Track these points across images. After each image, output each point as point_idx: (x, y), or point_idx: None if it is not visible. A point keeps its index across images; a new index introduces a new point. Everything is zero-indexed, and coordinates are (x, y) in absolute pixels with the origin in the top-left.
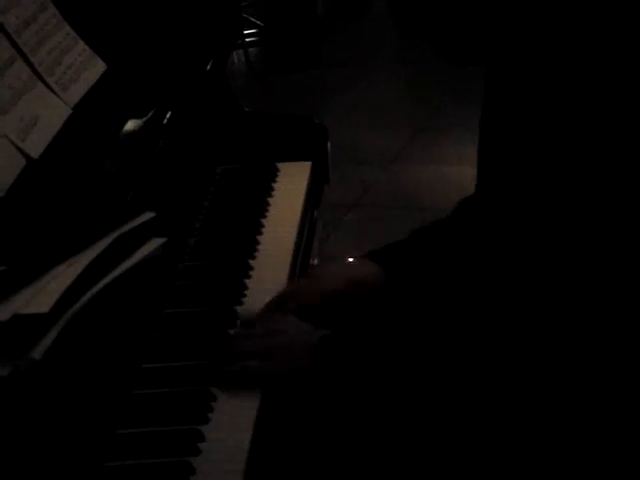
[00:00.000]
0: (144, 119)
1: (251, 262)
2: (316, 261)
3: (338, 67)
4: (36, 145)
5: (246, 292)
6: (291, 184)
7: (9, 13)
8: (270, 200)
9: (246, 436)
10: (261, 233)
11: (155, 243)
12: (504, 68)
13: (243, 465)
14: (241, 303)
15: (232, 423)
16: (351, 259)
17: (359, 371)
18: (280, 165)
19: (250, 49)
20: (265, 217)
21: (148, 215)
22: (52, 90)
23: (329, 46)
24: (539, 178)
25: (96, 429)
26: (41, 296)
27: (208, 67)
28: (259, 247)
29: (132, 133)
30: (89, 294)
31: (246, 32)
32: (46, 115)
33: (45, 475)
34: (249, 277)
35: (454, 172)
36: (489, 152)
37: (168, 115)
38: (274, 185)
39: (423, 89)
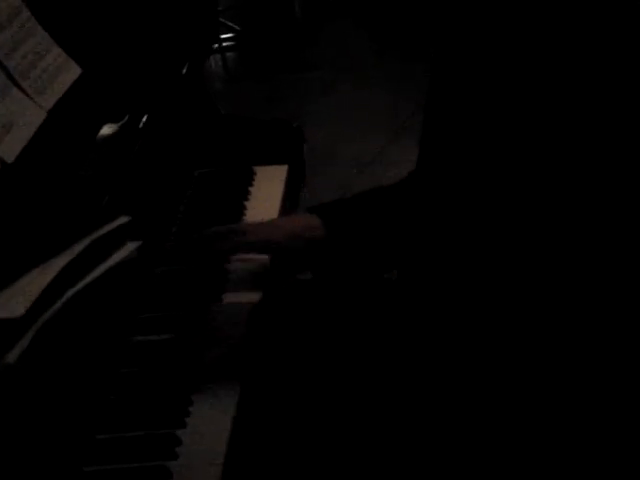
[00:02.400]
0: (120, 123)
1: (228, 266)
2: None
3: (316, 70)
4: (10, 149)
5: (223, 296)
6: (267, 187)
7: None
8: (247, 204)
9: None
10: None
11: (130, 247)
12: (447, 63)
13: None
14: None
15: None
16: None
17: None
18: (257, 168)
19: (227, 53)
20: (242, 221)
21: (124, 219)
22: (27, 94)
23: (307, 49)
24: (470, 161)
25: (74, 434)
26: (15, 300)
27: (184, 71)
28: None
29: (108, 137)
30: (64, 298)
31: (223, 36)
32: (21, 119)
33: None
34: (227, 281)
35: None
36: (430, 133)
37: (144, 119)
38: (250, 189)
39: (401, 92)
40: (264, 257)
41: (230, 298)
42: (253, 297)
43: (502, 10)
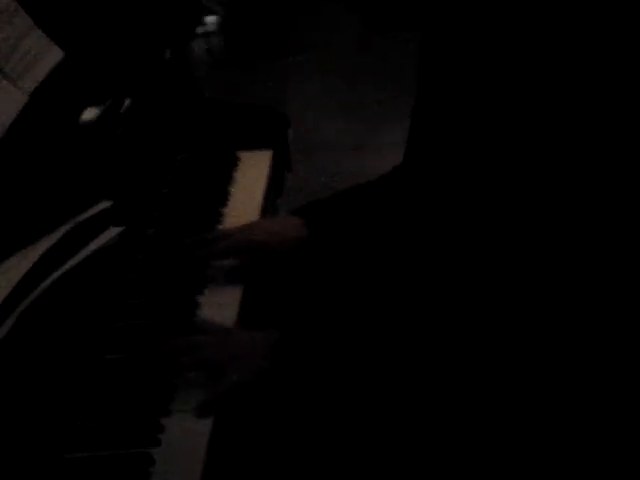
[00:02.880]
0: (102, 107)
1: (202, 295)
2: None
3: (301, 54)
4: None
5: (206, 287)
6: (252, 173)
7: None
8: (231, 189)
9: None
10: (222, 223)
11: (112, 232)
12: (437, 55)
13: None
14: (202, 293)
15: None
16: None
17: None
18: (241, 154)
19: (213, 38)
20: (226, 206)
21: (106, 204)
22: (8, 78)
23: (295, 33)
24: (461, 156)
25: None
26: None
27: (167, 54)
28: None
29: (90, 121)
30: (46, 283)
31: (207, 20)
32: (2, 102)
33: None
34: (209, 275)
35: None
36: (419, 129)
37: (127, 103)
38: (235, 174)
39: (387, 72)
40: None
41: (213, 288)
42: (235, 290)
43: (495, 3)
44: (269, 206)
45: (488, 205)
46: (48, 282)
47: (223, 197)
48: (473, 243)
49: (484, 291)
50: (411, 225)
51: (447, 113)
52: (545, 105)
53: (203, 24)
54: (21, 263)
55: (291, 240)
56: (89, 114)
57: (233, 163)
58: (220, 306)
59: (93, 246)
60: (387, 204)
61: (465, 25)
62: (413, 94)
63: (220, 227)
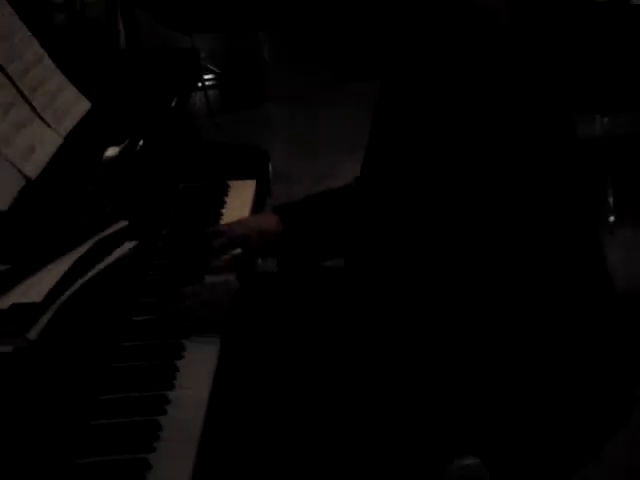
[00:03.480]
0: (120, 146)
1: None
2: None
3: (282, 103)
4: (33, 168)
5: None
6: (239, 198)
7: (13, 63)
8: (223, 211)
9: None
10: (215, 239)
11: (128, 246)
12: (385, 100)
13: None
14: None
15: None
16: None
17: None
18: (231, 183)
19: (209, 91)
20: (219, 222)
21: (122, 223)
22: (47, 124)
23: (274, 86)
24: (396, 171)
25: (81, 394)
26: (36, 289)
27: (173, 104)
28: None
29: (111, 158)
30: (75, 286)
31: (205, 77)
32: (42, 144)
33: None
34: (208, 267)
35: None
36: (371, 148)
37: (140, 143)
38: (226, 199)
39: (349, 118)
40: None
41: (210, 280)
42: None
43: (415, 64)
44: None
45: (413, 207)
46: (80, 282)
47: (216, 217)
48: (404, 235)
49: (411, 274)
50: (363, 221)
51: (389, 146)
52: (445, 145)
53: (202, 80)
54: (61, 266)
55: (268, 233)
56: (111, 152)
57: (224, 190)
58: None
59: (113, 256)
60: (345, 205)
61: (402, 88)
62: (367, 132)
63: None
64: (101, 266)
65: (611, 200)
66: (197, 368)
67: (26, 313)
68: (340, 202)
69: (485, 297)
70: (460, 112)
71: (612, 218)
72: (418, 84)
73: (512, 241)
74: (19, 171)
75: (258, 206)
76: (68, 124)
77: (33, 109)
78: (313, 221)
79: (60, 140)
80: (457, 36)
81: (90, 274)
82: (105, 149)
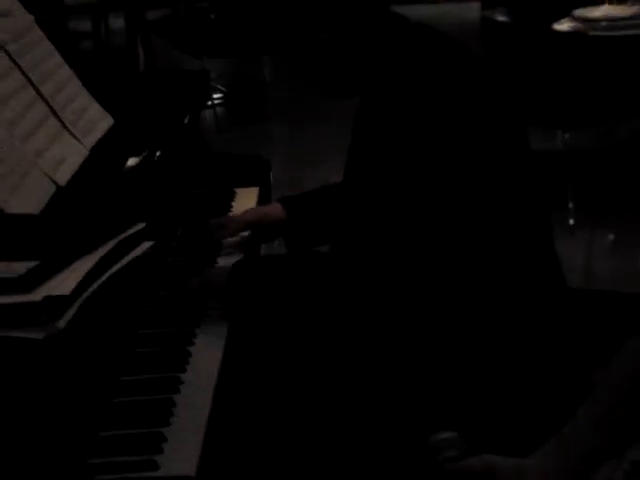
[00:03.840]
0: (140, 157)
1: (217, 258)
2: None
3: (281, 119)
4: (63, 176)
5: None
6: (244, 203)
7: (45, 83)
8: (229, 214)
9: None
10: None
11: (146, 245)
12: (361, 120)
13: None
14: None
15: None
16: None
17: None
18: (237, 189)
19: (218, 109)
20: None
21: (141, 225)
22: (76, 138)
23: (274, 104)
24: (366, 176)
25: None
26: (64, 283)
27: (186, 121)
28: (223, 242)
29: (131, 167)
30: (99, 280)
31: (214, 96)
32: (71, 155)
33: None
34: (216, 263)
35: None
36: (350, 158)
37: (157, 154)
38: (232, 204)
39: (337, 133)
40: (245, 234)
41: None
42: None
43: (385, 86)
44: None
45: (384, 207)
46: (103, 277)
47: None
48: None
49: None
50: (345, 216)
51: (364, 154)
52: (409, 153)
53: (211, 99)
54: (87, 263)
55: (275, 220)
56: (131, 162)
57: (231, 196)
58: None
59: (133, 254)
60: (335, 201)
61: (374, 105)
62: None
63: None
64: (122, 263)
65: (571, 205)
66: (207, 353)
67: (56, 305)
68: (335, 195)
69: (453, 290)
70: (421, 127)
71: (572, 221)
72: (387, 102)
73: (472, 238)
74: (50, 179)
75: None
76: (94, 138)
77: (63, 124)
78: (312, 209)
79: (87, 152)
80: (418, 59)
81: (112, 270)
82: (126, 160)
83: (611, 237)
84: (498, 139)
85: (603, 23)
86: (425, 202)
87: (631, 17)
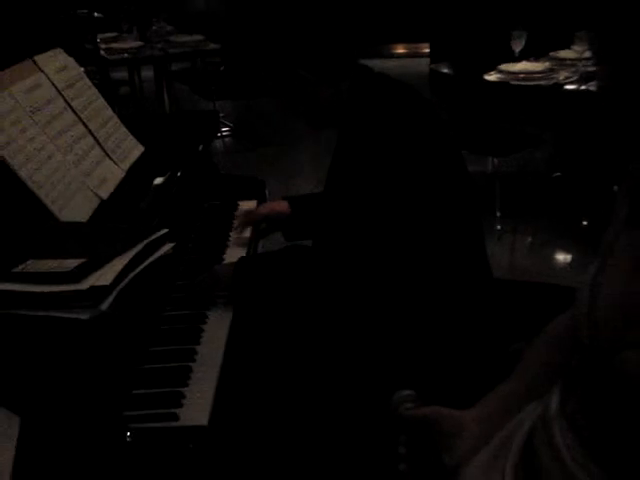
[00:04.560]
0: (165, 176)
1: (224, 256)
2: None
3: (274, 147)
4: (105, 192)
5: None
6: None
7: (92, 120)
8: (233, 221)
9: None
10: (228, 239)
11: (168, 246)
12: (341, 144)
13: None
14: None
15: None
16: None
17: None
18: (239, 202)
19: (225, 139)
20: (231, 230)
21: (164, 230)
22: (115, 162)
23: (269, 135)
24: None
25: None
26: (106, 275)
27: (200, 148)
28: (228, 243)
29: (157, 185)
30: (132, 274)
31: (223, 129)
32: (111, 176)
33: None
34: (223, 261)
35: None
36: (330, 174)
37: (178, 174)
38: (235, 213)
39: (320, 160)
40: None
41: (228, 259)
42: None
43: (352, 121)
44: (254, 229)
45: (352, 216)
46: (136, 271)
47: (229, 225)
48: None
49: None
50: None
51: (339, 173)
52: (376, 176)
53: (220, 131)
54: (121, 260)
55: (281, 213)
56: (157, 181)
57: (235, 207)
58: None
59: (158, 253)
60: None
61: (346, 136)
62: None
63: (230, 236)
64: (150, 260)
65: (498, 214)
66: (216, 330)
67: (99, 292)
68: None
69: (408, 277)
70: (383, 153)
71: (499, 227)
72: (357, 134)
73: (423, 238)
74: (95, 194)
75: None
76: (128, 162)
77: (105, 152)
78: (312, 207)
79: (123, 173)
80: (380, 101)
81: (142, 266)
82: (153, 179)
83: (529, 239)
84: (442, 163)
85: (521, 75)
86: (384, 209)
87: (542, 71)
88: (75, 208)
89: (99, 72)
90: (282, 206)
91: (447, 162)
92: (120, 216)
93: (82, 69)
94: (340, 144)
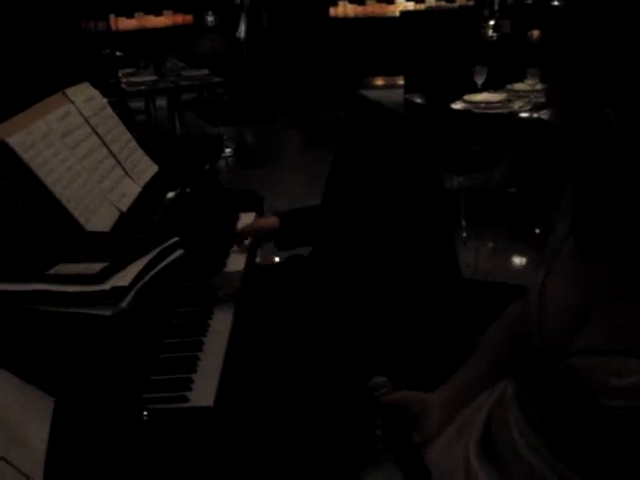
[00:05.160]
0: (176, 192)
1: (226, 260)
2: (258, 258)
3: (272, 167)
4: (125, 205)
5: (224, 269)
6: (245, 223)
7: (114, 143)
8: (235, 231)
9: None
10: (231, 246)
11: (179, 252)
12: (337, 161)
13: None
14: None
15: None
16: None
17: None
18: (240, 214)
19: (228, 159)
20: (233, 238)
21: (175, 238)
22: (133, 180)
23: (267, 156)
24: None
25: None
26: (125, 277)
27: (207, 167)
28: (231, 250)
29: (170, 199)
30: (148, 276)
31: (226, 150)
32: (130, 191)
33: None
34: (226, 265)
35: None
36: (327, 189)
37: (188, 190)
38: (237, 224)
39: (316, 172)
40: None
41: (229, 267)
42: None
43: (349, 139)
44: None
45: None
46: (151, 273)
47: (231, 234)
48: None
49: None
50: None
51: (336, 186)
52: (366, 193)
53: (224, 152)
54: (138, 264)
55: (272, 228)
56: (170, 195)
57: (236, 218)
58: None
59: (170, 257)
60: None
61: (343, 153)
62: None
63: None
64: (163, 264)
65: (464, 224)
66: (221, 324)
67: (119, 292)
68: (315, 212)
69: (390, 277)
70: (373, 171)
71: (464, 234)
72: (353, 153)
73: (405, 244)
74: (116, 207)
75: None
76: (144, 179)
77: (125, 171)
78: (298, 220)
79: (140, 189)
80: (375, 125)
81: (157, 269)
82: (166, 194)
83: (490, 245)
84: (424, 180)
85: (483, 105)
86: (374, 217)
87: (500, 101)
88: (99, 219)
89: (120, 102)
90: (272, 221)
91: (428, 179)
92: (137, 226)
93: (106, 100)
94: (337, 160)
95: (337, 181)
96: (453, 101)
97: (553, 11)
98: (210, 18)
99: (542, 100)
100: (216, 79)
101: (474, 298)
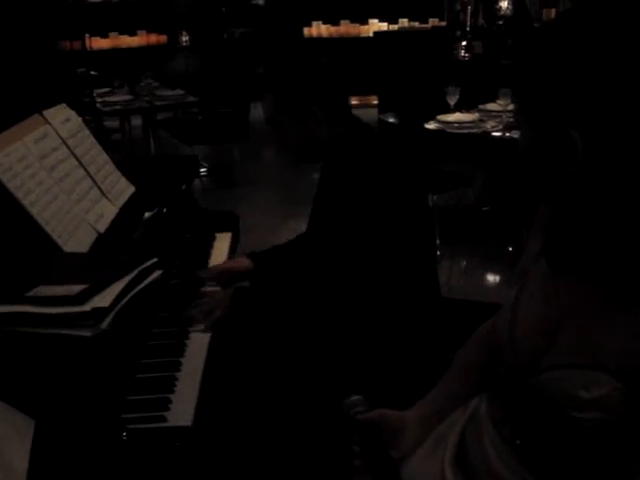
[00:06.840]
0: (153, 212)
1: (202, 274)
2: None
3: (247, 186)
4: (103, 226)
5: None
6: (221, 243)
7: (91, 165)
8: (211, 250)
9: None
10: (207, 265)
11: (157, 273)
12: (324, 180)
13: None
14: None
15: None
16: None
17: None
18: (217, 234)
19: (203, 179)
20: (209, 258)
21: (154, 259)
22: (110, 201)
23: (242, 175)
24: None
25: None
26: (105, 298)
27: (183, 187)
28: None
29: (147, 218)
30: (128, 297)
31: (201, 170)
32: (107, 212)
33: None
34: (204, 284)
35: None
36: (314, 213)
37: (164, 210)
38: (213, 243)
39: (293, 190)
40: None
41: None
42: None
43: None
44: (229, 257)
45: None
46: (130, 294)
47: (207, 254)
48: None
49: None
50: (307, 260)
51: (324, 206)
52: (352, 217)
53: (199, 172)
54: (118, 285)
55: (243, 270)
56: (147, 215)
57: (212, 238)
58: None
59: (149, 279)
60: (297, 252)
61: (330, 171)
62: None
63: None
64: (142, 285)
65: (438, 242)
66: (197, 344)
67: (99, 313)
68: (290, 250)
69: (366, 297)
70: (360, 190)
71: (438, 252)
72: (341, 171)
73: (388, 262)
74: (94, 228)
75: (233, 247)
76: (122, 200)
77: (102, 192)
78: (271, 262)
79: (117, 210)
80: (364, 145)
81: (136, 290)
82: (143, 214)
83: (464, 263)
84: (409, 200)
85: (455, 124)
86: (361, 235)
87: (473, 121)
88: (77, 241)
89: (95, 121)
90: (243, 263)
91: (413, 199)
92: (115, 247)
93: (81, 119)
94: (326, 177)
95: (326, 196)
96: (426, 121)
97: (518, 36)
98: (184, 38)
99: (513, 120)
100: (191, 99)
101: (449, 316)
